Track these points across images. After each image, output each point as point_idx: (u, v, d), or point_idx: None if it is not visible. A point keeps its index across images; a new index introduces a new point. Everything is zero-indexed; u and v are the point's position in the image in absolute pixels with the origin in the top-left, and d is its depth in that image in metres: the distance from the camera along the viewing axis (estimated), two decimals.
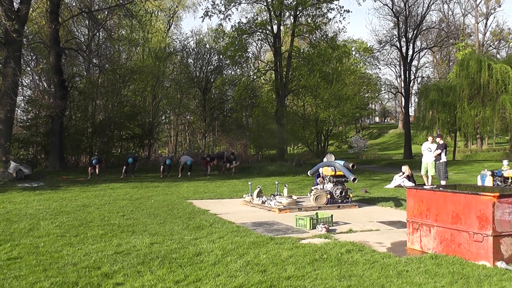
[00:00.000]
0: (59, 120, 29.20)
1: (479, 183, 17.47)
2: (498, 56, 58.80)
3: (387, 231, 9.60)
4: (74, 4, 32.91)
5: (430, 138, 18.83)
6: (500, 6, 75.02)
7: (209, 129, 43.92)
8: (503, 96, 37.59)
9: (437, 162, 17.92)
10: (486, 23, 65.85)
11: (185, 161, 27.55)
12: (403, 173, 20.28)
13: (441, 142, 18.28)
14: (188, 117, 46.90)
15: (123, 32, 39.06)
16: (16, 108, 30.01)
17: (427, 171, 18.23)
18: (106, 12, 33.03)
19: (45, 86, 35.22)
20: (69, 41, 33.06)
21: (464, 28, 64.22)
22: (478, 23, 64.92)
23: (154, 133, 39.38)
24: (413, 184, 18.53)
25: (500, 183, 17.10)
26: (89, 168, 26.01)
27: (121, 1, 30.49)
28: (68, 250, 7.57)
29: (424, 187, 8.43)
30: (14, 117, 29.14)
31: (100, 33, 36.20)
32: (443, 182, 17.58)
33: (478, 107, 39.65)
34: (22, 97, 35.18)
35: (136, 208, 12.79)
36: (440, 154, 17.81)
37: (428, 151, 18.46)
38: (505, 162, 18.32)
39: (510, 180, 17.15)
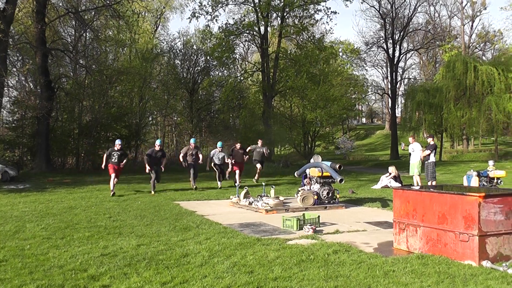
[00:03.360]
0: (45, 121, 29.00)
1: (465, 184, 17.57)
2: (483, 58, 59.28)
3: (374, 232, 9.64)
4: (60, 4, 32.75)
5: (410, 139, 19.10)
6: (485, 8, 75.41)
7: (196, 130, 43.87)
8: (489, 98, 37.95)
9: (426, 162, 18.12)
10: (472, 25, 66.31)
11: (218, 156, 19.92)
12: (390, 173, 20.37)
13: (432, 142, 18.48)
14: (175, 118, 46.84)
15: (110, 33, 38.87)
16: (2, 109, 29.83)
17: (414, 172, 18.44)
18: (93, 13, 32.85)
19: (31, 87, 35.00)
20: (55, 42, 32.90)
21: (450, 30, 64.64)
22: (464, 25, 65.34)
23: (141, 134, 39.24)
24: (400, 185, 18.63)
25: (486, 184, 17.22)
26: (107, 164, 17.54)
27: (108, 2, 30.36)
28: (54, 252, 7.53)
29: (412, 187, 8.48)
30: (0, 118, 28.95)
31: (87, 34, 36.02)
32: (430, 183, 17.72)
33: (464, 108, 39.98)
34: (8, 98, 34.91)
35: (123, 209, 12.75)
36: (429, 155, 17.98)
37: (412, 151, 18.66)
38: (491, 162, 18.48)
39: (495, 181, 17.28)
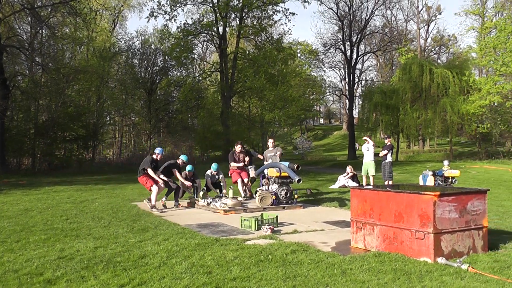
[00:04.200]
0: (0, 120, 28.40)
1: (421, 183, 17.88)
2: (439, 61, 60.46)
3: (331, 231, 9.73)
4: None
5: (367, 138, 19.38)
6: (440, 13, 77.55)
7: (154, 131, 43.65)
8: (444, 100, 38.81)
9: (383, 162, 18.42)
10: (427, 29, 67.69)
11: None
12: (348, 173, 20.59)
13: (388, 143, 18.80)
14: (133, 118, 46.48)
15: (67, 30, 38.36)
16: None
17: (367, 172, 18.70)
18: (50, 9, 32.35)
19: None
20: (10, 38, 32.20)
21: (406, 34, 65.67)
22: (420, 29, 66.66)
23: (99, 134, 38.78)
24: (357, 184, 18.86)
25: (441, 183, 17.57)
26: (152, 182, 13.37)
27: None
28: (9, 256, 7.38)
29: (366, 187, 8.62)
30: None
31: (43, 31, 35.45)
32: (387, 182, 17.99)
33: (420, 110, 40.81)
34: None
35: (80, 211, 12.58)
36: (386, 155, 18.30)
37: (367, 150, 18.94)
38: (446, 162, 18.86)
39: (450, 180, 17.66)
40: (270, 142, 16.40)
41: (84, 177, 26.23)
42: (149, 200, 13.28)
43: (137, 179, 13.89)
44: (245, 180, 15.51)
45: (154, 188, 13.14)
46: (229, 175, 15.86)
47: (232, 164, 15.46)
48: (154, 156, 13.77)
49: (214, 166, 15.74)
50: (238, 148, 15.78)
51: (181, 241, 8.32)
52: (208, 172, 15.77)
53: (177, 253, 7.39)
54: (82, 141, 36.82)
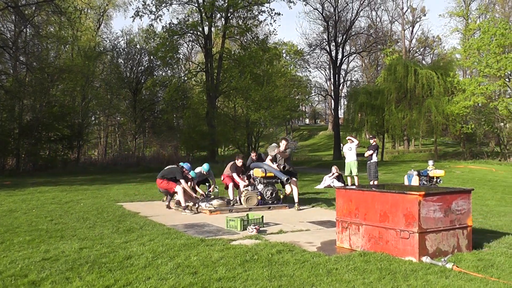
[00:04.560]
0: None
1: (406, 183, 18.02)
2: (423, 62, 60.93)
3: (317, 231, 9.75)
4: None
5: (351, 138, 19.50)
6: (425, 15, 78.08)
7: (140, 131, 43.46)
8: (429, 100, 39.11)
9: (368, 162, 18.55)
10: (412, 31, 68.26)
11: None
12: (333, 173, 20.65)
13: (374, 143, 18.92)
14: (118, 118, 46.25)
15: (52, 29, 38.06)
16: None
17: (351, 172, 18.80)
18: (34, 8, 32.07)
19: None
20: None
21: (391, 35, 66.07)
22: (404, 30, 67.15)
23: (84, 134, 38.55)
24: (342, 184, 18.93)
25: (425, 183, 17.70)
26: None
27: None
28: None
29: (352, 186, 8.66)
30: None
31: (28, 30, 35.15)
32: (373, 182, 18.08)
33: (405, 110, 41.08)
34: None
35: (65, 212, 12.48)
36: (371, 155, 18.41)
37: (349, 150, 19.04)
38: (430, 162, 19.00)
39: (435, 180, 17.80)
40: (283, 144, 14.03)
41: (69, 178, 26.04)
42: (178, 203, 13.16)
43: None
44: (241, 185, 14.49)
45: (179, 189, 12.99)
46: (221, 178, 15.45)
47: (234, 175, 14.80)
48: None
49: (206, 167, 15.49)
50: (239, 162, 15.03)
51: (166, 241, 8.30)
52: (198, 170, 15.45)
53: (162, 254, 7.37)
54: (67, 141, 36.58)
